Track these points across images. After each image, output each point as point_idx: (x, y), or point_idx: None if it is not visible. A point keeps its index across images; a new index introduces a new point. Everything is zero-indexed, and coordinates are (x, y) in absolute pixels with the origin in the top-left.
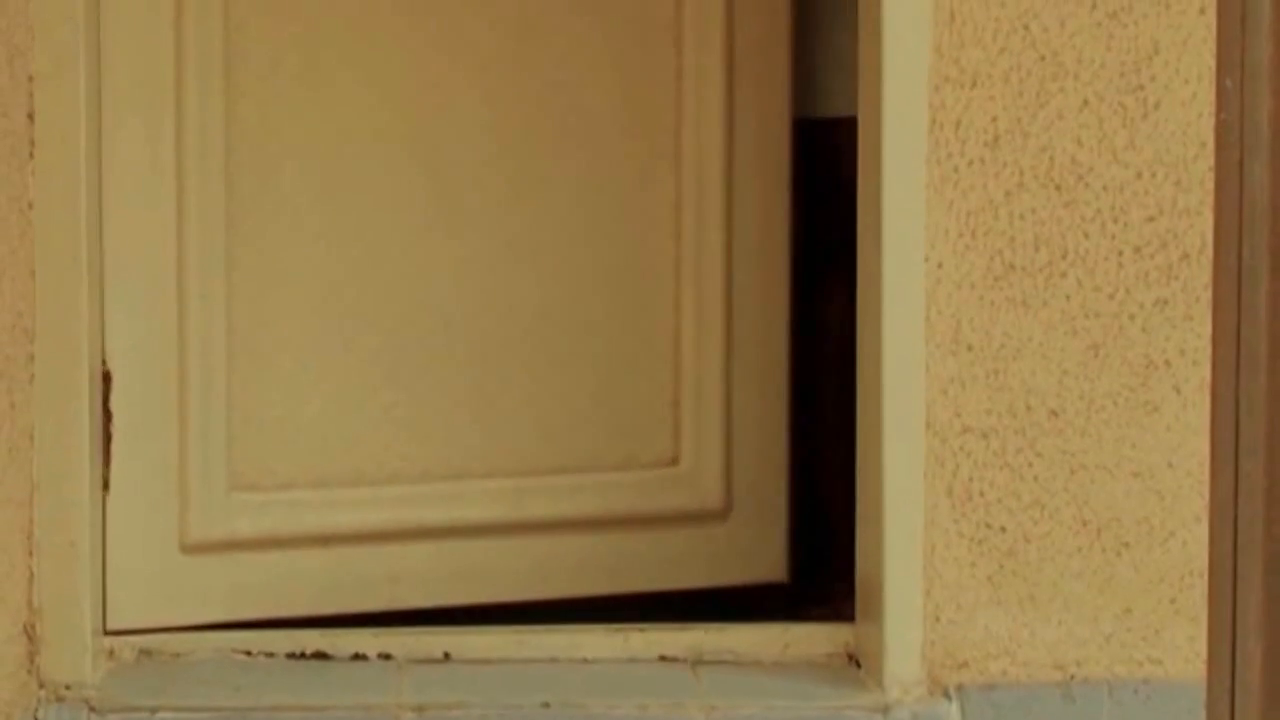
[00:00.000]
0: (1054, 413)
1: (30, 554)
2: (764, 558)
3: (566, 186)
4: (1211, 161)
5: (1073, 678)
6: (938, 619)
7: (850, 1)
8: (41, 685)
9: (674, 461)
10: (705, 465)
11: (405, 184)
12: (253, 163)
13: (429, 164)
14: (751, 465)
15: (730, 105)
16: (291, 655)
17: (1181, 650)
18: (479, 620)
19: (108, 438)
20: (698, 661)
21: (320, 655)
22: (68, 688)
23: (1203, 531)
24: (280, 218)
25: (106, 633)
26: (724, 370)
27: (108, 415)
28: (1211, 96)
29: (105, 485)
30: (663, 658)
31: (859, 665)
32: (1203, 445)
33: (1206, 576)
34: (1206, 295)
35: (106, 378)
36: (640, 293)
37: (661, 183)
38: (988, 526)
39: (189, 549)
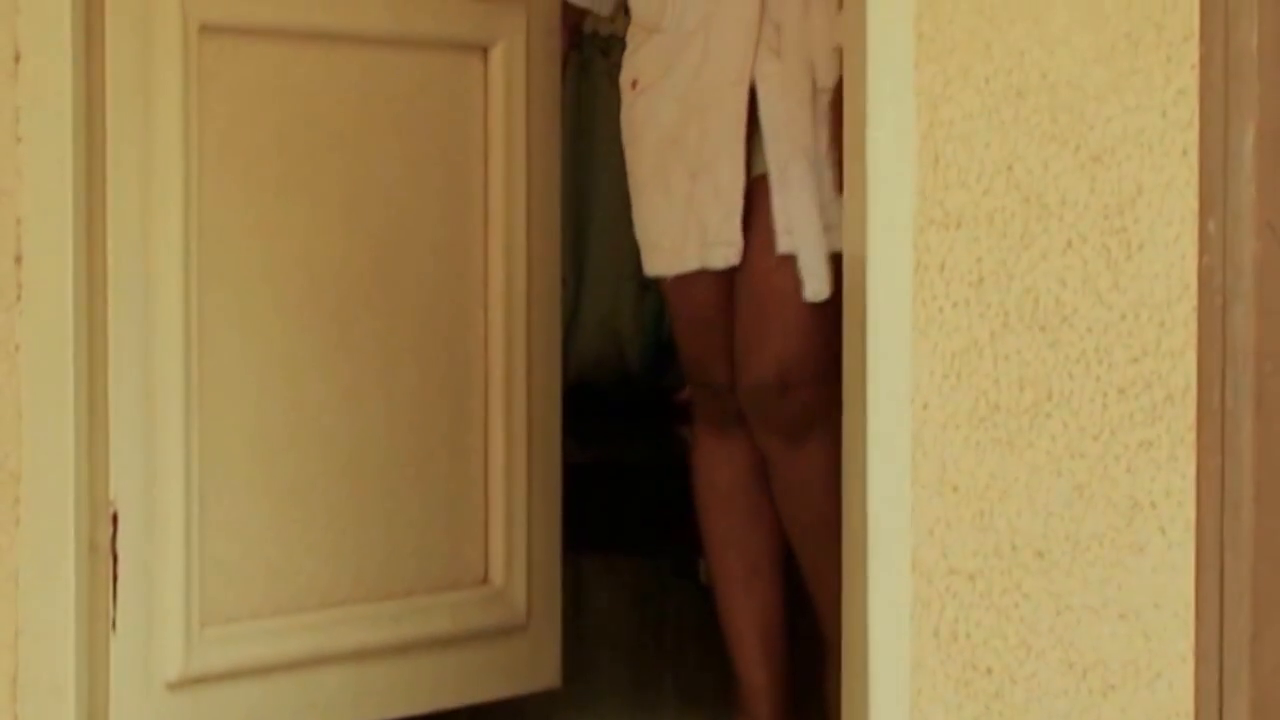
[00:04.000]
0: (1040, 554)
1: (14, 699)
2: (551, 666)
3: (401, 336)
4: (1195, 303)
5: None
6: None
7: None
8: None
9: (485, 580)
10: (513, 582)
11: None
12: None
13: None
14: (543, 580)
15: (530, 263)
16: None
17: None
18: None
19: (114, 579)
20: None
21: None
22: None
23: (1189, 673)
24: (221, 362)
25: None
26: (526, 494)
27: (114, 556)
28: (1195, 238)
29: (113, 625)
30: None
31: None
32: (1189, 586)
33: (1193, 719)
34: (1191, 436)
35: (114, 519)
36: (456, 425)
37: (473, 330)
38: (974, 668)
39: (172, 685)
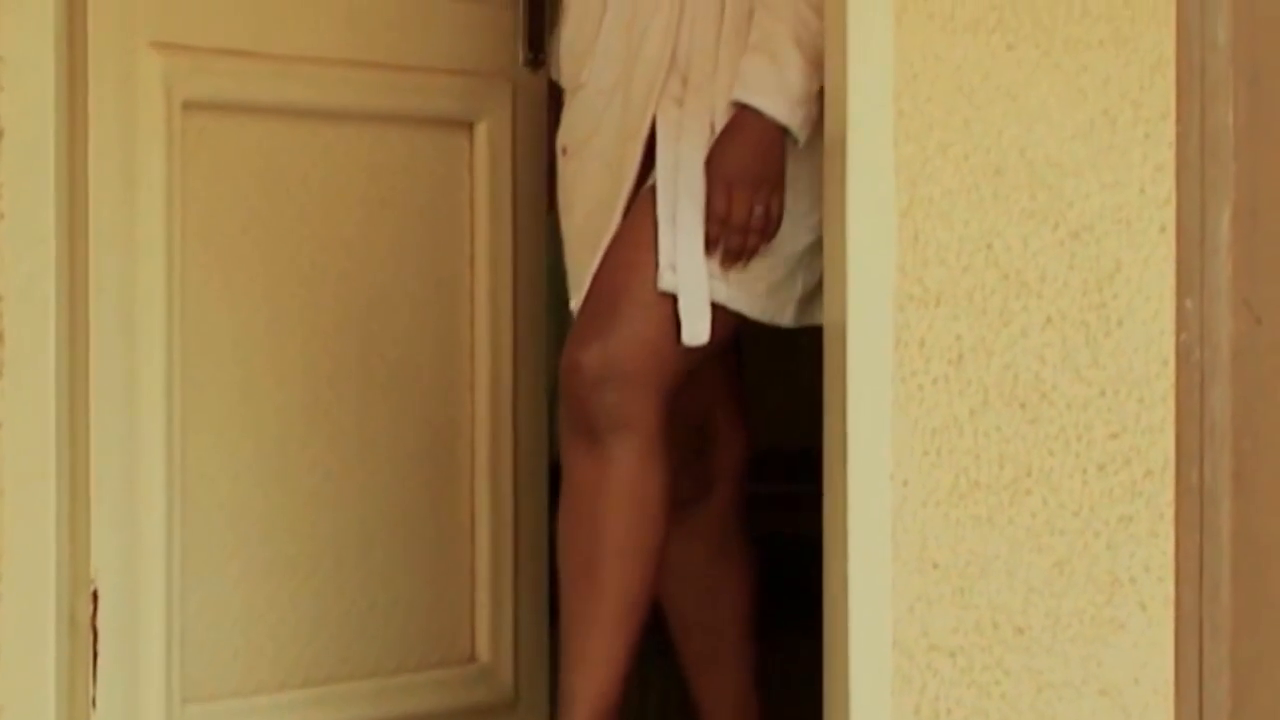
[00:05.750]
0: (1020, 630)
1: None
2: None
3: (385, 413)
4: (1174, 379)
5: None
6: None
7: None
8: None
9: (472, 658)
10: (500, 660)
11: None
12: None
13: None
14: (530, 657)
15: (515, 339)
16: None
17: None
18: None
19: (95, 656)
20: None
21: None
22: None
23: None
24: (203, 439)
25: None
26: (513, 570)
27: (95, 633)
28: (1173, 313)
29: (93, 703)
30: None
31: None
32: (1169, 663)
33: None
34: (1171, 512)
35: (95, 596)
36: (441, 501)
37: (459, 406)
38: None
39: None
